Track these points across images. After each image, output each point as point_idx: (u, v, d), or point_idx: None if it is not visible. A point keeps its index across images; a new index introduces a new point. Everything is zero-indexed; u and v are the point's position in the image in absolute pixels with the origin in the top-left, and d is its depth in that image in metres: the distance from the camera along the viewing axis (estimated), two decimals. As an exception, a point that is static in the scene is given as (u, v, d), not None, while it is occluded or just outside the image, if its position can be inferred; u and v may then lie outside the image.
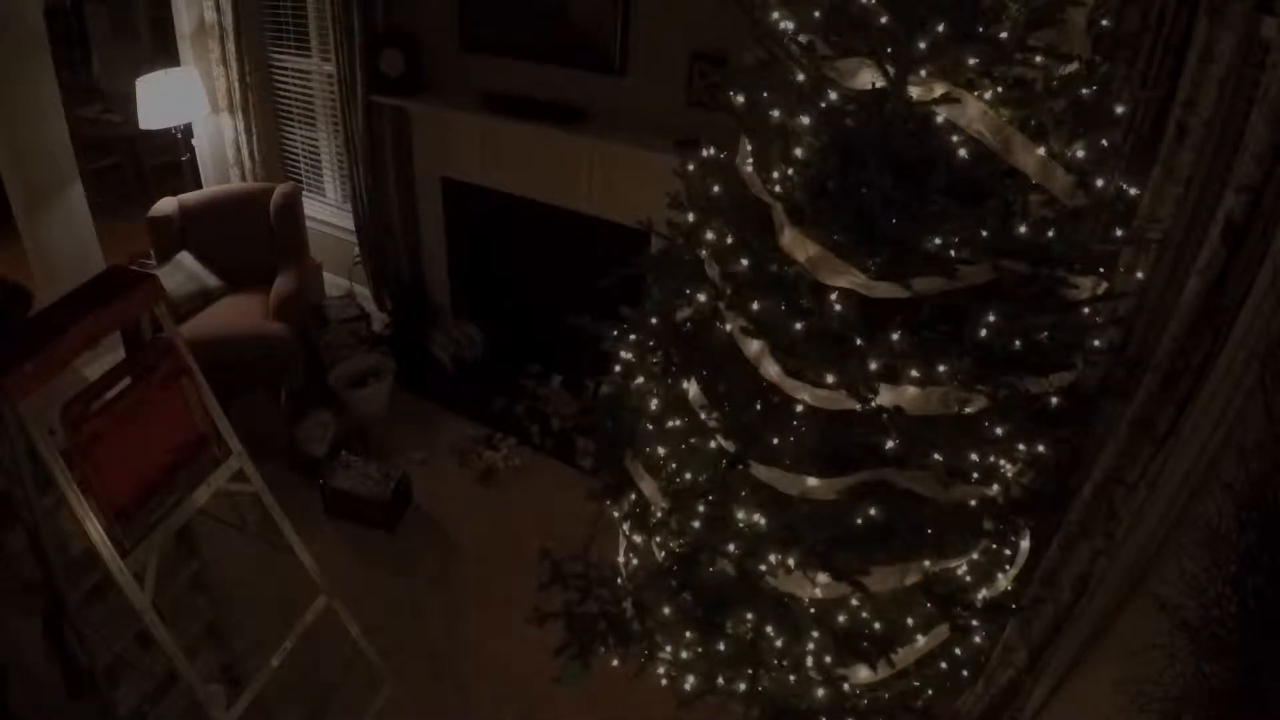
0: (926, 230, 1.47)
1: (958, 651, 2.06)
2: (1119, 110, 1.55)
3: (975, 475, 1.67)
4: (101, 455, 1.96)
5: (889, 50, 1.42)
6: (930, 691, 2.12)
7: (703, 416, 1.84)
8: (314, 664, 2.71)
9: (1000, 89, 1.44)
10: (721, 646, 1.93)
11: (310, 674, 2.74)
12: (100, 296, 2.06)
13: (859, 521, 1.70)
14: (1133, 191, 1.66)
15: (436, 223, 4.46)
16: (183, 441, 2.22)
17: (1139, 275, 1.96)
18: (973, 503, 1.75)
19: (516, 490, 3.71)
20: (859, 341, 1.55)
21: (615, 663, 2.16)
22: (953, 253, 1.48)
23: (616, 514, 2.20)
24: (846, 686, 1.89)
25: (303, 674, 2.66)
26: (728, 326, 1.76)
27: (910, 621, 1.89)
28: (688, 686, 2.03)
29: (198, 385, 2.22)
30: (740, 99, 1.68)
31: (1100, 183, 1.53)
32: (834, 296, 1.57)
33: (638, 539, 2.18)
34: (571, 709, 2.72)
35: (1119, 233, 1.67)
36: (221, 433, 2.29)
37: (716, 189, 1.84)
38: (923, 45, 1.39)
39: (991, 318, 1.51)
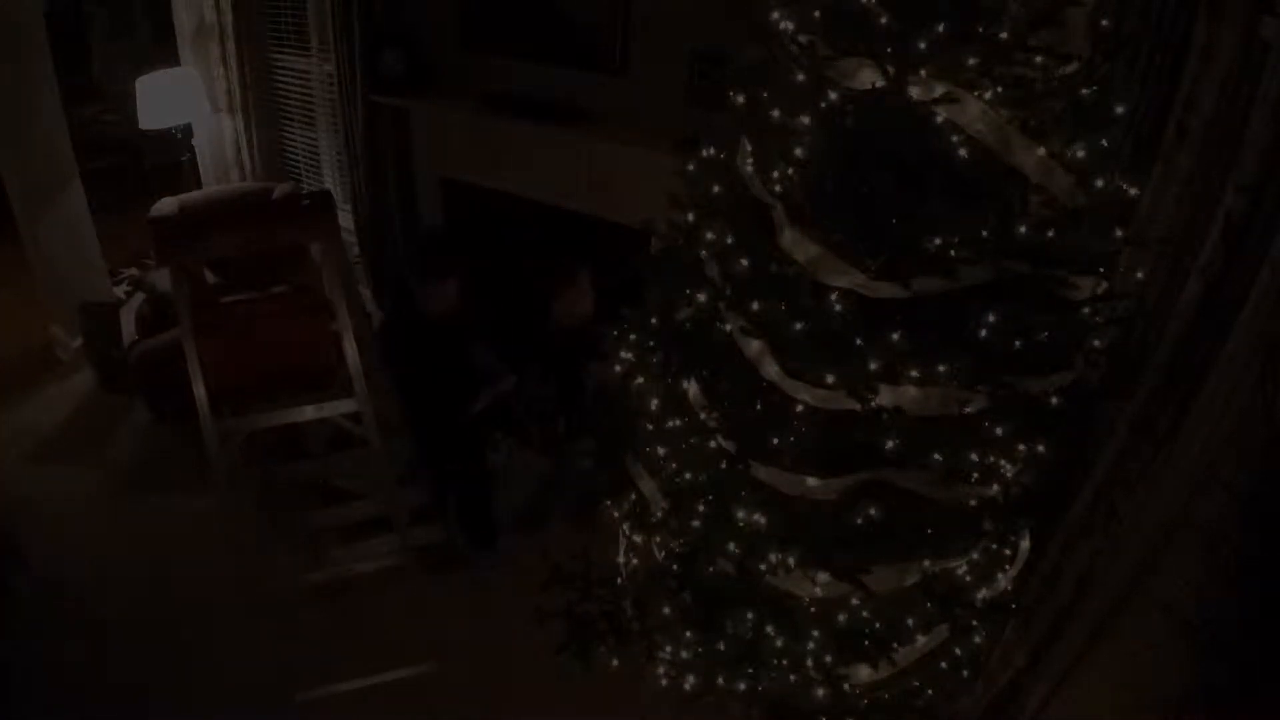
0: (926, 230, 1.47)
1: (958, 651, 2.06)
2: (1119, 110, 1.55)
3: (975, 475, 1.67)
4: (216, 340, 2.32)
5: (889, 50, 1.42)
6: (930, 691, 2.12)
7: (703, 416, 1.84)
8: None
9: (1000, 89, 1.44)
10: (721, 646, 1.93)
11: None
12: (272, 215, 2.38)
13: (859, 521, 1.70)
14: (1133, 191, 1.66)
15: (436, 222, 4.45)
16: (305, 365, 2.52)
17: (1139, 275, 1.95)
18: (973, 503, 1.75)
19: (516, 490, 3.70)
20: (859, 341, 1.55)
21: (615, 663, 2.16)
22: (953, 253, 1.48)
23: (616, 514, 2.19)
24: (846, 686, 1.89)
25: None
26: (728, 326, 1.76)
27: (910, 621, 1.89)
28: (688, 686, 2.03)
29: (340, 325, 2.40)
30: (740, 99, 1.68)
31: (1100, 183, 1.53)
32: (834, 296, 1.56)
33: (638, 539, 2.18)
34: (571, 709, 2.71)
35: (1119, 233, 1.67)
36: (351, 374, 2.46)
37: (716, 189, 1.84)
38: (923, 45, 1.39)
39: (991, 318, 1.51)
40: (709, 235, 1.79)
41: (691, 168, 1.89)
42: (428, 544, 3.15)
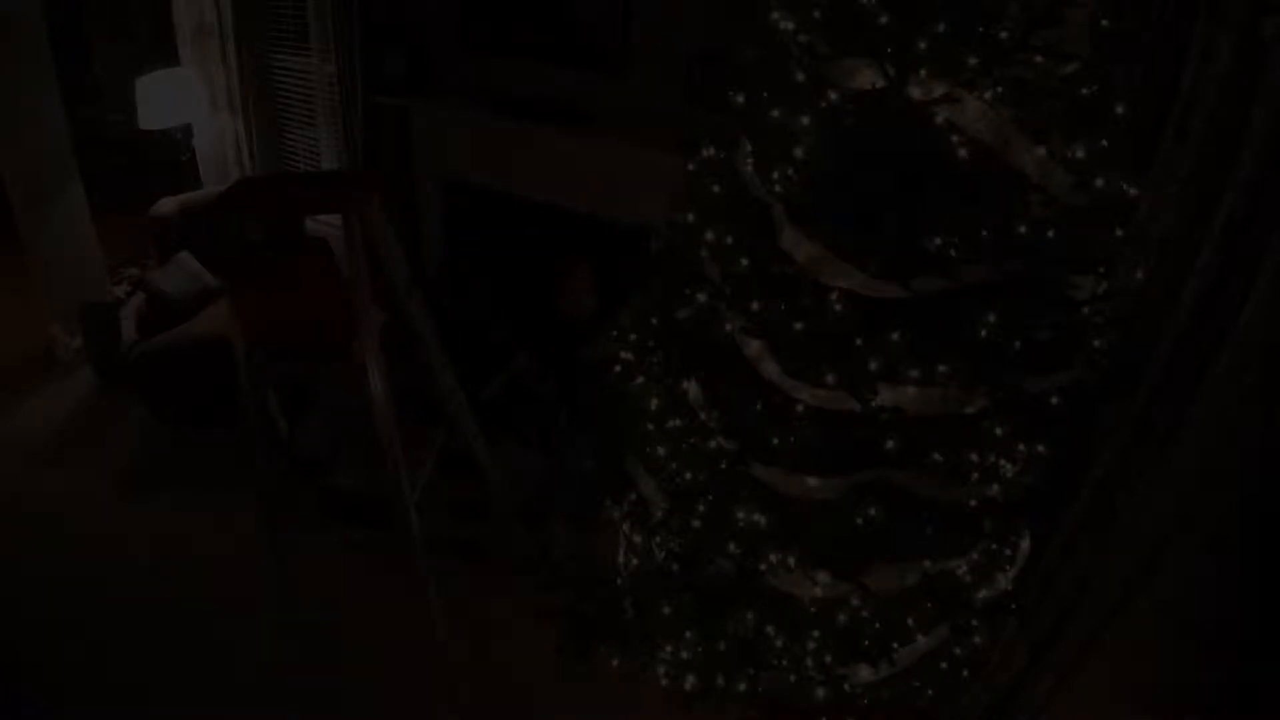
0: (926, 230, 1.47)
1: (958, 651, 2.06)
2: (1119, 110, 1.55)
3: (975, 475, 1.67)
4: (245, 292, 2.48)
5: (889, 50, 1.42)
6: (930, 691, 2.12)
7: (703, 416, 1.84)
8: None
9: (1000, 89, 1.44)
10: (721, 646, 1.93)
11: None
12: (316, 185, 2.62)
13: (859, 521, 1.70)
14: (1133, 191, 1.66)
15: (436, 222, 4.45)
16: (321, 328, 2.59)
17: (1139, 275, 1.95)
18: (973, 503, 1.75)
19: (516, 489, 3.70)
20: (859, 341, 1.55)
21: (615, 663, 2.16)
22: (953, 252, 1.48)
23: (616, 514, 2.20)
24: (846, 686, 1.89)
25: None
26: (728, 326, 1.76)
27: (910, 621, 1.89)
28: (688, 686, 2.03)
29: (357, 301, 2.47)
30: (740, 99, 1.68)
31: (1100, 183, 1.53)
32: (834, 296, 1.56)
33: (638, 539, 2.18)
34: (571, 709, 2.71)
35: (1119, 233, 1.67)
36: (366, 352, 2.52)
37: (716, 189, 1.84)
38: (923, 45, 1.39)
39: (991, 318, 1.51)
40: (709, 235, 1.79)
41: (692, 168, 1.89)
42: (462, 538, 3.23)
